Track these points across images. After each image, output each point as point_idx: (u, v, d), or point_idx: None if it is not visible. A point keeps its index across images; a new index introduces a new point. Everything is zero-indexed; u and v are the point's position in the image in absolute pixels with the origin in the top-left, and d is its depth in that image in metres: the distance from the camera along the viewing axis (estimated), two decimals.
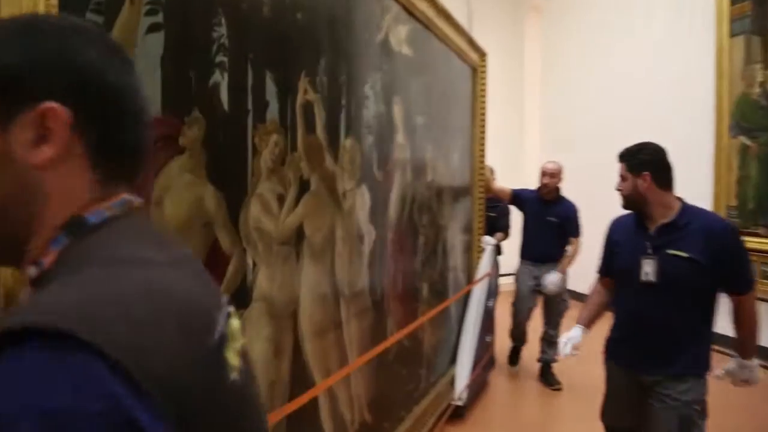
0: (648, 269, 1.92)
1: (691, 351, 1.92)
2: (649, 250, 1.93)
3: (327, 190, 1.91)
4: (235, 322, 0.56)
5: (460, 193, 3.66)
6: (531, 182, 6.66)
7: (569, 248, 3.96)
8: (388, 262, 2.47)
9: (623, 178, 2.03)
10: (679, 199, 1.99)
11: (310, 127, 1.78)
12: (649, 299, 1.93)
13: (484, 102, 4.00)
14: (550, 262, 3.97)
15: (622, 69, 6.21)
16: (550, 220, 3.92)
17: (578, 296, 4.99)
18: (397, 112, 2.50)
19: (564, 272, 3.95)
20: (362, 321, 2.22)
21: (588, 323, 2.24)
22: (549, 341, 4.07)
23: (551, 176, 3.91)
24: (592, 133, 6.64)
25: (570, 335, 2.22)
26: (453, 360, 3.60)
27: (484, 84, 3.99)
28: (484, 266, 3.95)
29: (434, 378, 3.23)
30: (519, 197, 4.09)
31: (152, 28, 1.18)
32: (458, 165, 3.58)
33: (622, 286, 2.08)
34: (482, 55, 3.95)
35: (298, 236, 1.75)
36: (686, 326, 1.92)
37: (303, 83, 1.73)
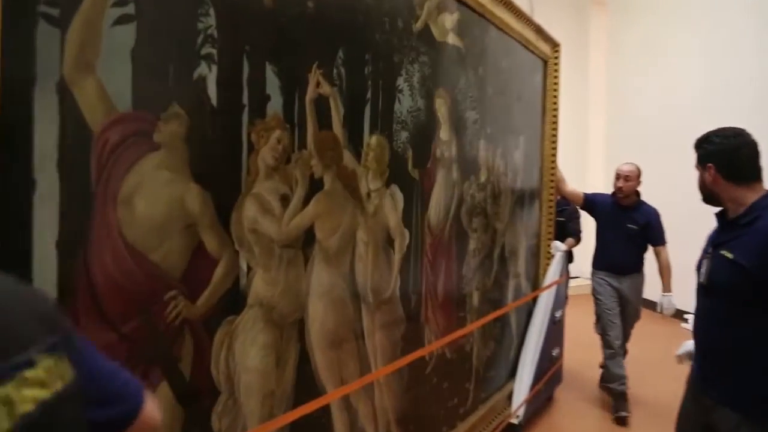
0: (703, 269, 1.76)
1: (746, 379, 1.58)
2: (710, 249, 1.76)
3: (346, 190, 1.79)
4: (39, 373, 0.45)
5: (525, 195, 3.38)
6: (595, 185, 6.50)
7: (660, 259, 3.52)
8: (426, 268, 2.30)
9: (697, 170, 1.85)
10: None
11: (324, 123, 1.67)
12: (704, 305, 1.77)
13: (556, 97, 3.67)
14: (630, 273, 3.56)
15: (697, 64, 5.86)
16: (629, 227, 3.50)
17: (648, 304, 4.48)
18: (440, 106, 2.32)
19: (670, 290, 3.52)
20: (391, 332, 2.08)
21: None
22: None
23: (626, 179, 3.50)
24: (663, 131, 6.28)
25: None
26: (512, 374, 3.34)
27: (556, 77, 3.66)
28: (552, 274, 3.63)
29: (487, 393, 3.00)
30: (592, 202, 3.70)
31: (121, 20, 1.13)
32: (522, 165, 3.30)
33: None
34: (554, 46, 3.63)
35: (308, 238, 1.64)
36: (736, 345, 1.62)
37: (315, 76, 1.63)
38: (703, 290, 1.76)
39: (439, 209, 2.38)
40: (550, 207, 3.72)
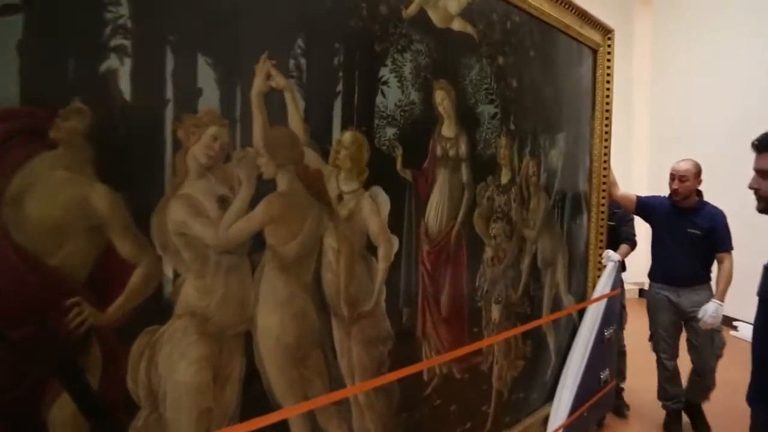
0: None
1: None
2: None
3: (308, 192, 1.65)
4: None
5: (566, 199, 3.03)
6: (639, 187, 6.25)
7: (722, 266, 3.02)
8: (424, 278, 2.09)
9: (760, 173, 1.63)
10: None
11: (277, 118, 1.54)
12: (759, 317, 1.67)
13: (609, 90, 3.28)
14: (693, 284, 3.08)
15: (747, 61, 5.73)
16: (690, 232, 3.03)
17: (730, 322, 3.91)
18: (442, 99, 2.11)
19: (723, 299, 3.03)
20: (374, 348, 1.90)
21: None
22: (699, 386, 3.18)
23: (681, 180, 3.03)
24: (710, 132, 6.12)
25: None
26: (550, 397, 3.01)
27: (609, 68, 3.27)
28: (602, 287, 3.23)
29: (514, 416, 2.71)
30: (647, 206, 3.25)
31: (5, 11, 1.07)
32: (563, 165, 2.96)
33: None
34: (606, 32, 3.24)
35: (256, 244, 1.52)
36: None
37: (264, 66, 1.50)
38: (759, 302, 1.67)
39: (441, 213, 2.16)
40: (602, 213, 3.32)
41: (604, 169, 3.31)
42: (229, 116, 1.43)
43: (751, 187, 1.70)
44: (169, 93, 1.31)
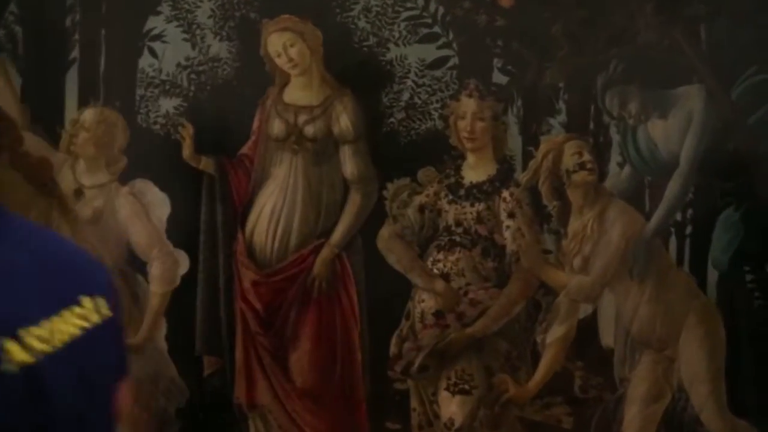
0: None
1: None
2: None
3: (30, 184, 1.38)
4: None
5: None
6: None
7: None
8: (247, 321, 1.39)
9: None
10: None
11: None
12: None
13: None
14: None
15: None
16: None
17: None
18: (285, 47, 1.35)
19: None
20: (149, 397, 1.41)
21: None
22: None
23: None
24: None
25: None
26: None
27: None
28: None
29: None
30: None
31: None
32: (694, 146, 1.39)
33: None
34: None
35: None
36: None
37: None
38: None
39: (286, 225, 1.37)
40: None
41: None
42: None
43: None
44: None
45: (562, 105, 1.41)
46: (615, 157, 1.44)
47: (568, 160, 1.40)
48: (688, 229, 1.50)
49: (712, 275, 1.48)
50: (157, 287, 1.39)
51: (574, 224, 1.44)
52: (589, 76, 1.40)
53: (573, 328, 1.45)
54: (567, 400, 1.45)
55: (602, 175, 1.43)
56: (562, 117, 1.41)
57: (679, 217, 1.49)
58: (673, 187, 1.44)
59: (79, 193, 1.39)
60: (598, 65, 1.39)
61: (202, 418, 1.43)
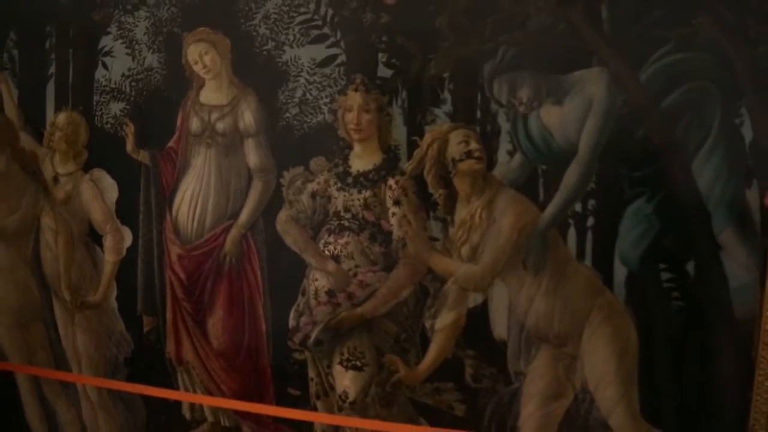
0: None
1: None
2: None
3: (24, 172, 1.76)
4: None
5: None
6: None
7: None
8: (174, 288, 1.65)
9: None
10: None
11: None
12: None
13: None
14: None
15: None
16: None
17: None
18: (201, 55, 1.57)
19: None
20: (103, 343, 1.74)
21: None
22: None
23: None
24: None
25: None
26: None
27: None
28: None
29: None
30: None
31: None
32: (593, 130, 1.34)
33: None
34: None
35: None
36: None
37: None
38: None
39: (202, 208, 1.60)
40: None
41: None
42: None
43: None
44: None
45: (447, 95, 1.45)
46: (504, 146, 1.44)
47: (454, 149, 1.43)
48: (590, 221, 1.44)
49: (620, 271, 1.40)
50: (109, 256, 1.70)
51: (461, 213, 1.46)
52: (476, 66, 1.42)
53: (462, 316, 1.46)
54: (458, 387, 1.48)
55: (492, 164, 1.45)
56: (448, 107, 1.44)
57: (579, 207, 1.44)
58: (570, 176, 1.38)
59: (56, 179, 1.74)
60: (485, 54, 1.41)
61: (143, 367, 1.72)
